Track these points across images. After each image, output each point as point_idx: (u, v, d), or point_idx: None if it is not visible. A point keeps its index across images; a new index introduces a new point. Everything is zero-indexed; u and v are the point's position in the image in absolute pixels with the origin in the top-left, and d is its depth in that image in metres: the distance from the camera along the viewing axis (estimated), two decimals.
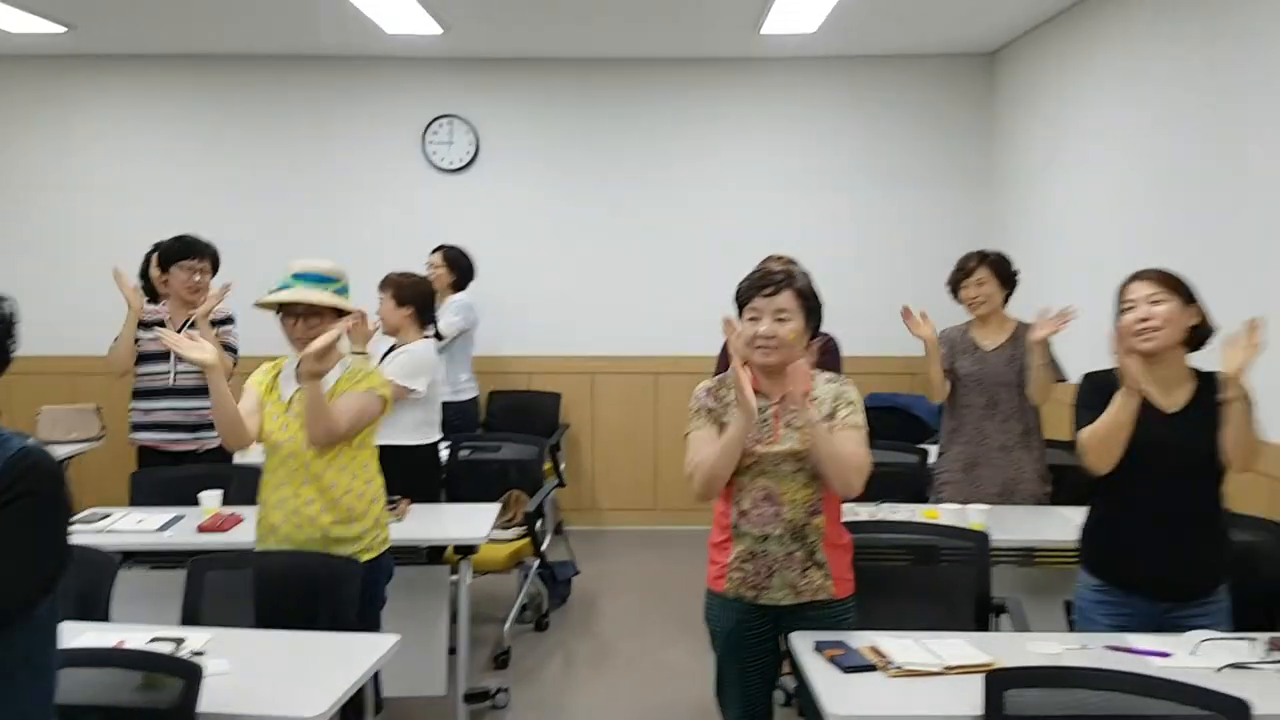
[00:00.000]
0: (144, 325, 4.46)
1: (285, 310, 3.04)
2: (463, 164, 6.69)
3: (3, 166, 6.68)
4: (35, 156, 6.69)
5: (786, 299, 2.60)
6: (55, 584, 1.73)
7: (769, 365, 2.61)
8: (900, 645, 2.51)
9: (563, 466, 6.42)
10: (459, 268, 5.79)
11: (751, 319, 2.64)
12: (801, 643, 2.56)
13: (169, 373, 4.45)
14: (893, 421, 5.94)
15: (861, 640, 2.54)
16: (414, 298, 4.30)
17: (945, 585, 3.09)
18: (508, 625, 4.65)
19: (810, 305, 2.65)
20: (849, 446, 2.56)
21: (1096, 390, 2.71)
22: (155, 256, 4.60)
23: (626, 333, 6.77)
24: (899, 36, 6.07)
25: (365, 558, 3.09)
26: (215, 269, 4.59)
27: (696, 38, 6.01)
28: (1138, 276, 2.72)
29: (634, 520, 6.89)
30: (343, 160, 6.68)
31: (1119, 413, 2.60)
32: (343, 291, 3.09)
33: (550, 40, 6.10)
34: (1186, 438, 2.60)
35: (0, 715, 1.68)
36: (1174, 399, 2.66)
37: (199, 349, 2.95)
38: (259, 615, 2.95)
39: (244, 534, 3.49)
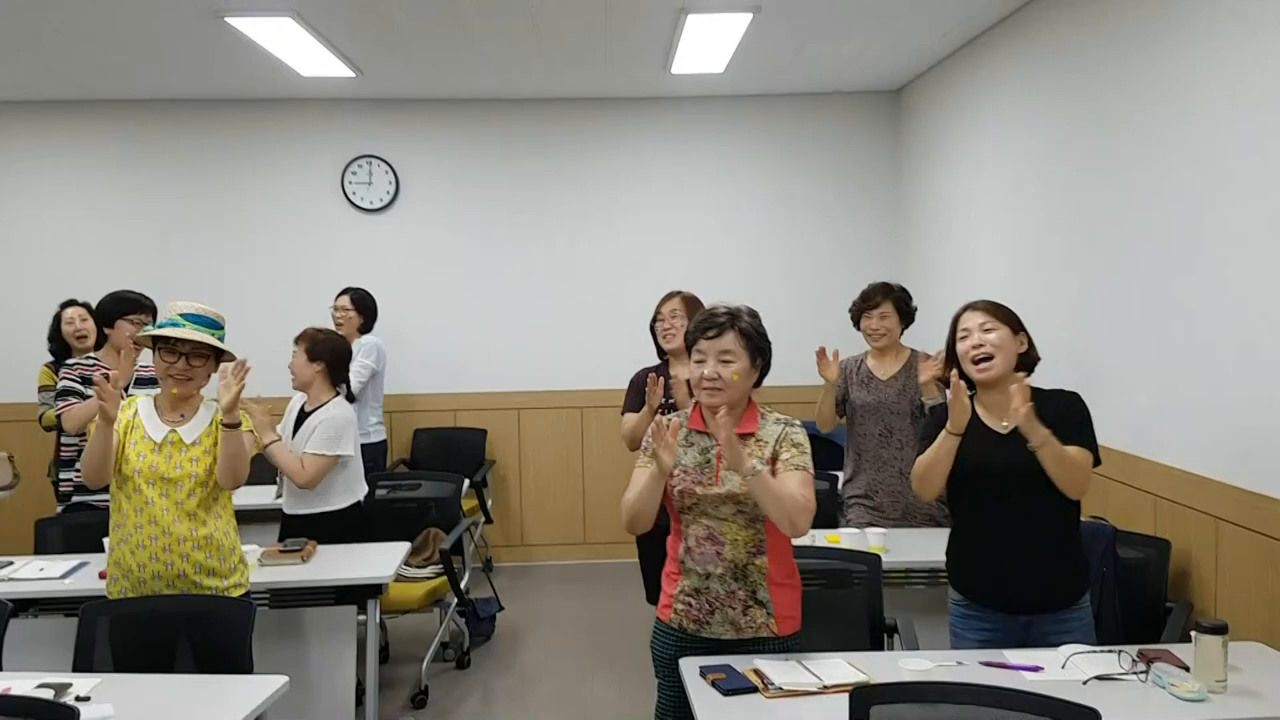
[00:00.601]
0: (83, 380, 4.39)
1: (165, 347, 3.12)
2: (383, 204, 6.72)
3: None
4: None
5: (730, 340, 2.64)
6: None
7: (714, 406, 2.62)
8: (782, 667, 2.57)
9: (490, 503, 6.43)
10: (366, 309, 5.81)
11: (698, 361, 2.67)
12: (688, 666, 2.61)
13: None
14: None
15: (746, 664, 2.60)
16: (327, 354, 4.22)
17: (845, 608, 3.16)
18: (425, 663, 4.63)
19: (756, 345, 2.67)
20: (790, 487, 2.55)
21: (936, 424, 2.86)
22: (94, 310, 4.59)
23: (551, 367, 6.82)
24: (806, 76, 6.23)
25: (235, 594, 3.16)
26: (155, 321, 4.55)
27: (610, 78, 6.13)
28: (970, 307, 2.88)
29: (563, 555, 6.90)
30: (263, 202, 6.69)
31: (937, 450, 2.78)
32: (223, 338, 3.22)
33: (466, 81, 6.17)
34: (1017, 457, 2.69)
35: None
36: (1007, 421, 2.76)
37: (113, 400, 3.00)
38: (150, 659, 2.93)
39: None
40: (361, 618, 3.85)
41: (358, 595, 3.77)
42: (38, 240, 6.61)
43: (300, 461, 4.06)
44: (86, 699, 2.54)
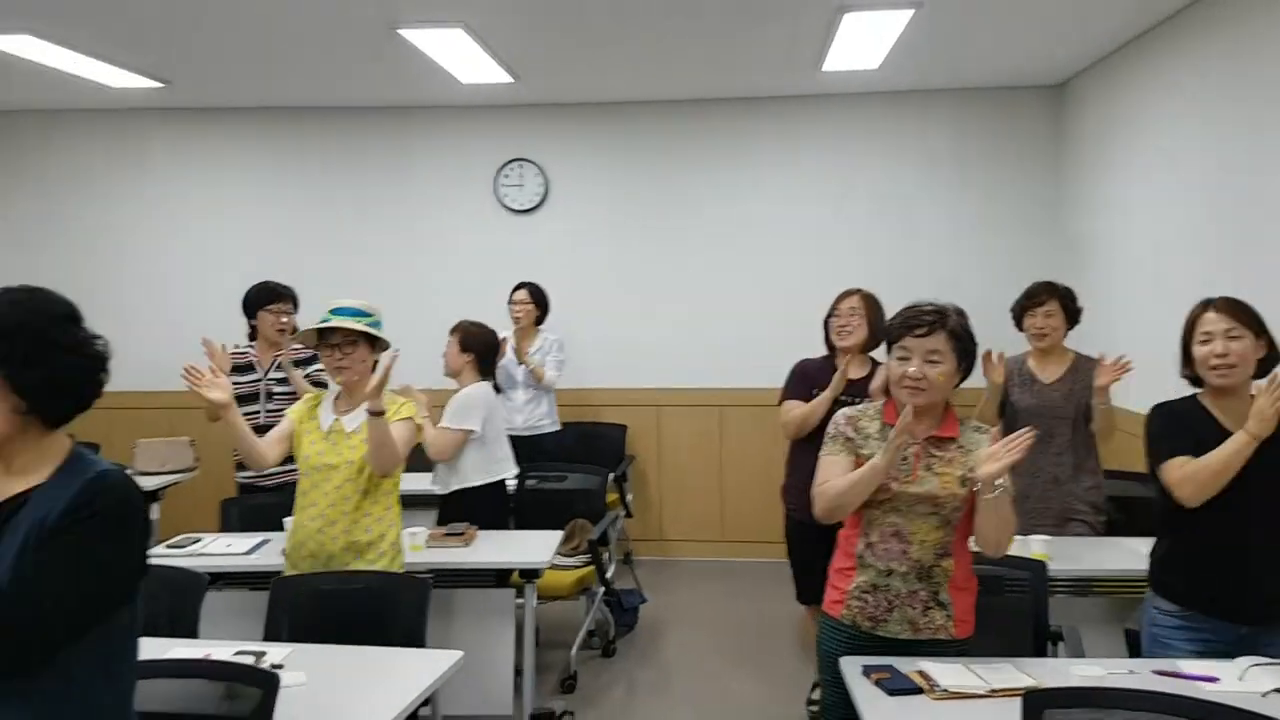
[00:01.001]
0: (236, 369, 4.71)
1: (324, 342, 3.37)
2: (533, 205, 6.91)
3: (103, 214, 7.08)
4: (132, 204, 7.09)
5: (939, 340, 2.57)
6: (125, 597, 1.83)
7: (916, 406, 2.55)
8: (948, 669, 2.56)
9: (629, 497, 6.54)
10: (542, 303, 6.01)
11: (901, 358, 2.60)
12: (849, 665, 2.62)
13: (259, 412, 4.70)
14: None
15: (910, 665, 2.59)
16: (478, 345, 4.45)
17: (1006, 614, 3.11)
18: (574, 650, 4.76)
19: (963, 347, 2.60)
20: (1009, 510, 2.53)
21: (1177, 421, 2.74)
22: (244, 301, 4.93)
23: (692, 366, 6.89)
24: (964, 70, 6.13)
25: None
26: (296, 308, 4.85)
27: (759, 77, 6.16)
28: (1212, 308, 2.76)
29: (701, 551, 6.97)
30: (419, 204, 6.96)
31: (1235, 456, 2.62)
32: (375, 325, 3.40)
33: (615, 84, 6.29)
34: (1270, 460, 2.61)
35: (77, 718, 1.78)
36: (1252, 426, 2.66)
37: (215, 388, 3.24)
38: (331, 631, 3.11)
39: None
40: (519, 601, 3.99)
41: (518, 580, 3.91)
42: (221, 237, 7.03)
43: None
44: (280, 666, 2.72)
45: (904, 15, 4.77)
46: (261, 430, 4.60)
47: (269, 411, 4.67)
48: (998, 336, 4.37)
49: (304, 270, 5.69)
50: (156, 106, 6.86)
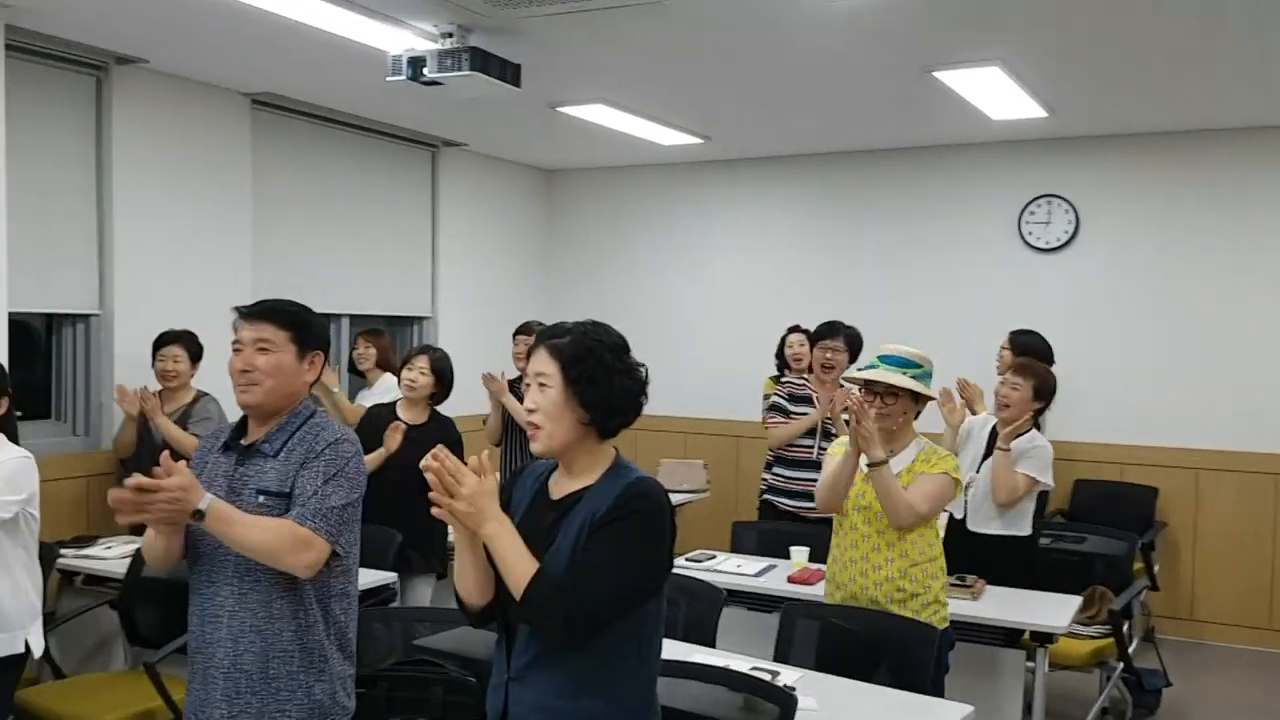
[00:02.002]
0: (794, 399, 4.97)
1: (868, 388, 3.36)
2: (1060, 243, 6.55)
3: (649, 257, 7.86)
4: (670, 247, 7.79)
5: None
6: (655, 588, 2.08)
7: None
8: None
9: (1156, 568, 5.92)
10: (1030, 353, 5.66)
11: None
12: None
13: (813, 446, 4.93)
14: None
15: None
16: (1048, 394, 4.32)
17: None
18: None
19: None
20: None
21: None
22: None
23: (1237, 428, 6.08)
24: None
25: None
26: (851, 347, 5.02)
27: None
28: None
29: (1240, 638, 6.11)
30: (939, 243, 6.90)
31: None
32: (922, 377, 3.33)
33: (1155, 115, 5.80)
34: None
35: (607, 688, 2.04)
36: None
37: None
38: (842, 663, 3.18)
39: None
40: (1028, 665, 3.79)
41: (1029, 641, 3.72)
42: (748, 278, 7.46)
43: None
44: (793, 689, 2.83)
45: None
46: (812, 464, 4.78)
47: (820, 448, 4.83)
48: None
49: (824, 309, 5.90)
50: (697, 161, 7.49)
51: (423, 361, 4.61)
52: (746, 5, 4.02)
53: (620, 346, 2.11)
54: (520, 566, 1.97)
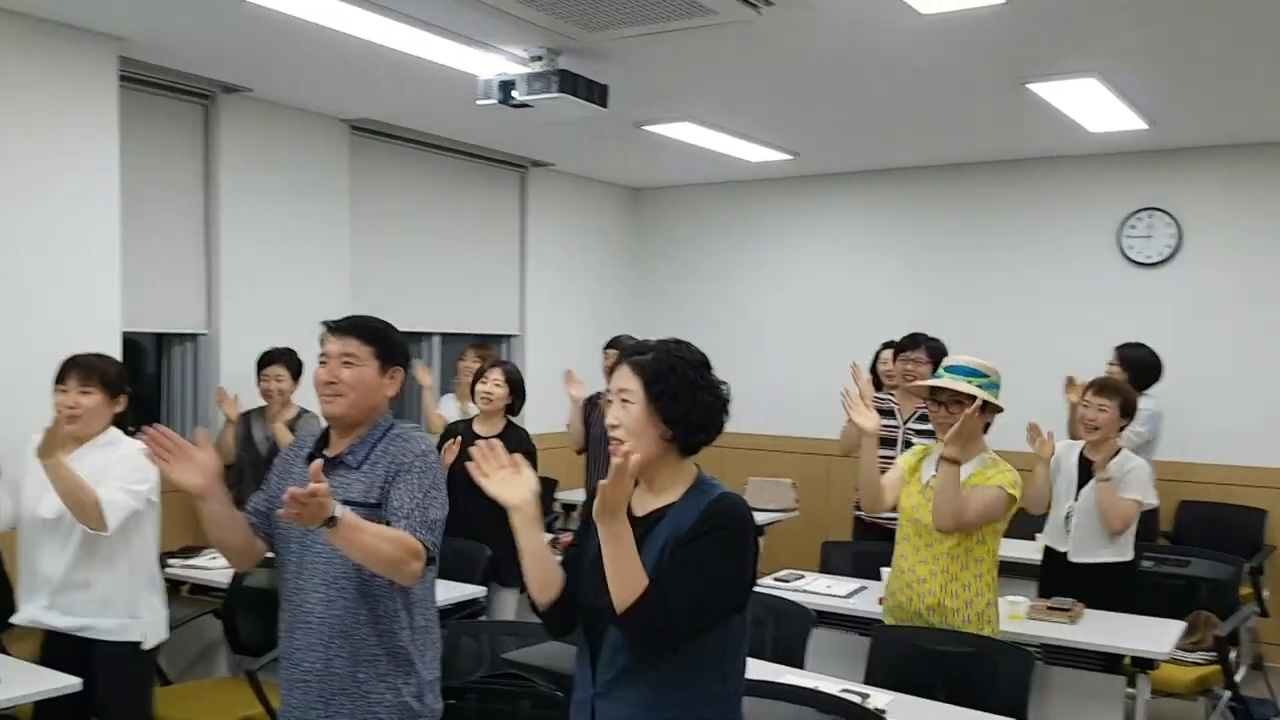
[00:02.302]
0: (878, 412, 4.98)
1: (933, 398, 3.38)
2: (1161, 258, 6.36)
3: (736, 273, 7.84)
4: (754, 264, 7.76)
5: None
6: (739, 605, 2.09)
7: None
8: None
9: (1265, 593, 5.67)
10: (1139, 368, 5.50)
11: None
12: None
13: (894, 457, 4.86)
14: None
15: None
16: (1129, 410, 4.23)
17: None
18: None
19: None
20: None
21: None
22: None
23: None
24: None
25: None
26: (933, 358, 4.96)
27: None
28: None
29: None
30: (1036, 257, 6.74)
31: None
32: (988, 387, 3.31)
33: (1262, 124, 5.60)
34: None
35: (690, 704, 2.04)
36: None
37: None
38: (931, 687, 3.13)
39: None
40: (1128, 691, 3.68)
41: (1129, 667, 3.61)
42: (839, 293, 7.40)
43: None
44: (883, 712, 2.80)
45: None
46: None
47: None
48: None
49: (917, 324, 5.81)
50: (785, 176, 7.46)
51: (497, 374, 4.73)
52: (837, 20, 4.01)
53: (702, 363, 2.13)
54: (633, 575, 1.97)
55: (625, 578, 1.96)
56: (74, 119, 4.28)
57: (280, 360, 4.88)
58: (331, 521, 2.19)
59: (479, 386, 4.73)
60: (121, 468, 3.18)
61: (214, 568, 4.35)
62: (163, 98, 4.99)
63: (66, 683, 2.99)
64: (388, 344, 2.55)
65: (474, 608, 4.13)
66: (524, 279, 7.24)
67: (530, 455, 4.29)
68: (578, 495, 5.89)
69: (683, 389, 2.07)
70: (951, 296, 6.98)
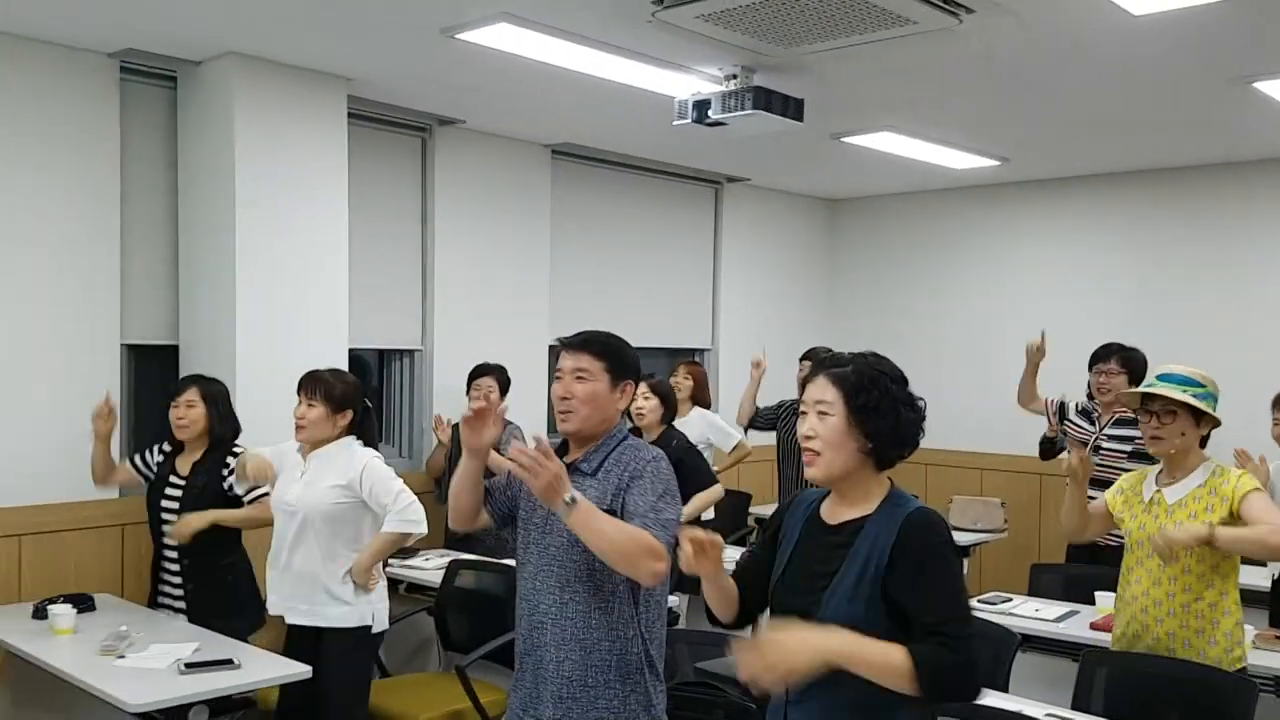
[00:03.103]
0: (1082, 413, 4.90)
1: (1144, 407, 3.19)
2: None
3: (937, 284, 7.63)
4: (961, 275, 7.53)
5: None
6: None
7: None
8: None
9: None
10: None
11: None
12: None
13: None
14: None
15: None
16: None
17: None
18: None
19: None
20: None
21: None
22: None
23: None
24: None
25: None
26: (1127, 368, 4.83)
27: None
28: None
29: None
30: (1254, 264, 6.32)
31: None
32: (1204, 397, 3.11)
33: None
34: None
35: (885, 712, 2.00)
36: None
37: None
38: (1144, 715, 2.96)
39: None
40: None
41: None
42: (1048, 300, 7.04)
43: None
44: None
45: None
46: (1105, 484, 4.58)
47: (1095, 465, 4.59)
48: None
49: (1130, 336, 5.49)
50: (993, 183, 7.22)
51: (644, 388, 4.78)
52: (1044, 22, 3.88)
53: (902, 378, 2.12)
54: (892, 662, 1.92)
55: (890, 676, 1.93)
56: (313, 154, 4.67)
57: (491, 373, 5.15)
58: (572, 501, 2.29)
59: (630, 405, 4.80)
60: (379, 485, 3.55)
61: (427, 568, 4.62)
62: (384, 132, 5.37)
63: (297, 669, 3.26)
64: (619, 358, 2.62)
65: (670, 616, 4.19)
66: (716, 292, 7.33)
67: (686, 453, 4.63)
68: (770, 510, 5.89)
69: (885, 403, 2.07)
70: (1167, 308, 6.57)
